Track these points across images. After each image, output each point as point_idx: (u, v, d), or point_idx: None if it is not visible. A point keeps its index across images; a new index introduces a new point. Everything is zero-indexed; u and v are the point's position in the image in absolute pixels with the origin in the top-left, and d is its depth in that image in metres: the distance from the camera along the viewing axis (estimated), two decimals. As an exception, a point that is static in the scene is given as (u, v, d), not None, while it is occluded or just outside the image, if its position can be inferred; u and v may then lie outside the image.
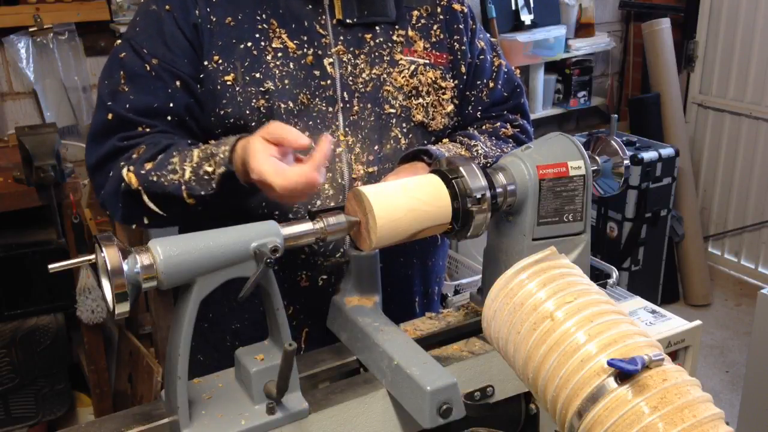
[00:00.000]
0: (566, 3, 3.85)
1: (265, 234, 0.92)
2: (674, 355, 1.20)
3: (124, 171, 1.16)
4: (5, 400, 2.53)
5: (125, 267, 0.84)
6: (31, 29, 2.65)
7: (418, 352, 1.00)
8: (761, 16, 3.69)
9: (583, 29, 3.93)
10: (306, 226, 0.99)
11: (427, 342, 1.16)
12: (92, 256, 0.87)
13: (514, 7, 3.68)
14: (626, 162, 1.20)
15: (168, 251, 0.86)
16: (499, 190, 1.07)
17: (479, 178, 1.03)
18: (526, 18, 3.70)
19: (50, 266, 0.87)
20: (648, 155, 3.53)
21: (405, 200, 1.01)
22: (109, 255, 0.83)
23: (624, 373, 0.75)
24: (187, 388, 0.92)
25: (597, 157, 1.21)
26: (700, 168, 4.13)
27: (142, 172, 1.15)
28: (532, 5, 3.71)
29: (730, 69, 3.89)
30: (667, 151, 3.60)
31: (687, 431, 0.72)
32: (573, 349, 0.80)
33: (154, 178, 1.14)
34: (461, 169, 1.04)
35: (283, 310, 0.97)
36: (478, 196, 1.03)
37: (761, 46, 3.72)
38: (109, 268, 0.83)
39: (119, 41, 1.28)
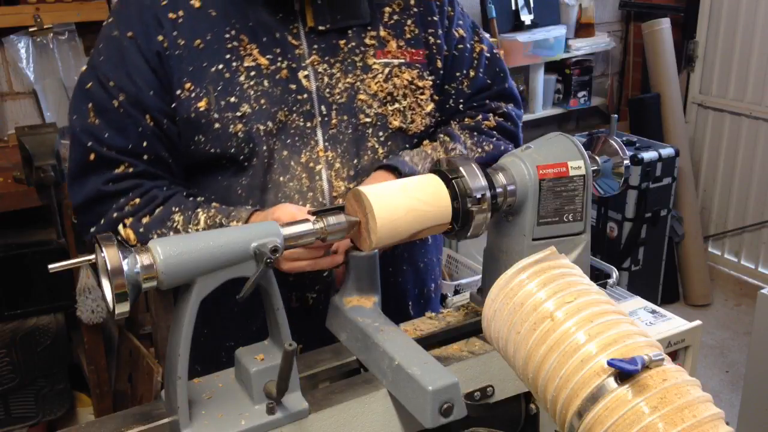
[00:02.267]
0: (566, 3, 3.85)
1: (265, 234, 0.92)
2: (674, 355, 1.20)
3: (120, 227, 1.15)
4: (5, 400, 2.53)
5: (125, 267, 0.84)
6: (31, 29, 2.65)
7: (419, 351, 1.00)
8: (761, 16, 3.69)
9: (583, 29, 3.93)
10: (306, 226, 0.99)
11: (427, 342, 1.15)
12: (92, 256, 0.87)
13: (514, 7, 3.68)
14: (626, 162, 1.20)
15: (168, 251, 0.86)
16: (499, 190, 1.07)
17: (479, 178, 1.03)
18: (526, 18, 3.70)
19: (50, 266, 0.87)
20: (648, 155, 3.53)
21: (405, 200, 1.01)
22: (109, 255, 0.83)
23: (624, 373, 0.75)
24: (187, 388, 0.92)
25: (597, 157, 1.21)
26: (700, 168, 4.13)
27: (141, 229, 1.14)
28: (532, 5, 3.71)
29: (730, 69, 3.89)
30: (667, 151, 3.60)
31: (687, 431, 0.72)
32: (573, 349, 0.80)
33: (155, 237, 1.12)
34: (461, 169, 1.04)
35: (283, 310, 0.97)
36: (478, 196, 1.02)
37: (761, 46, 3.71)
38: (109, 268, 0.83)
39: (85, 67, 1.23)
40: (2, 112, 2.74)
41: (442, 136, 1.34)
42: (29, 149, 2.19)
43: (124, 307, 0.85)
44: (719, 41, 3.91)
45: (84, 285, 2.35)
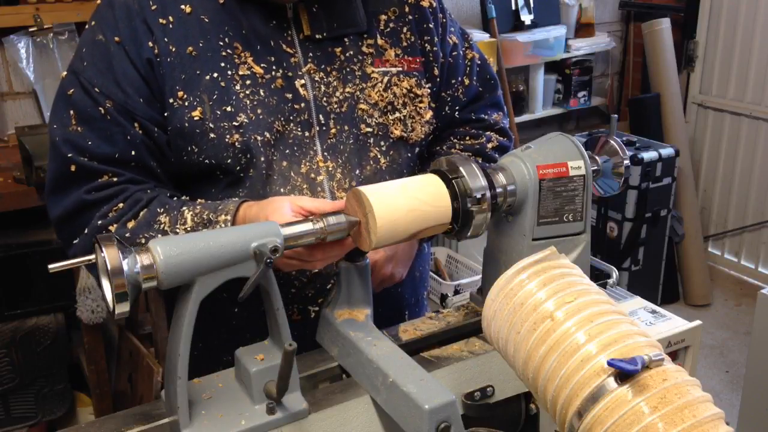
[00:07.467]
0: (566, 3, 3.85)
1: (265, 234, 0.92)
2: (674, 355, 1.20)
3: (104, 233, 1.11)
4: (5, 400, 2.53)
5: (125, 267, 0.84)
6: (31, 29, 2.65)
7: (414, 368, 0.98)
8: (761, 16, 3.69)
9: (583, 29, 3.93)
10: (306, 226, 0.99)
11: (427, 342, 1.16)
12: (92, 256, 0.87)
13: (514, 7, 3.68)
14: (626, 162, 1.20)
15: (168, 251, 0.86)
16: (499, 190, 1.07)
17: (479, 178, 1.03)
18: (526, 18, 3.70)
19: (50, 266, 0.87)
20: (648, 155, 3.53)
21: (405, 200, 1.01)
22: (109, 255, 0.83)
23: (624, 373, 0.75)
24: (187, 388, 0.92)
25: (597, 157, 1.21)
26: (700, 168, 4.13)
27: (127, 234, 1.10)
28: (532, 5, 3.71)
29: (730, 69, 3.89)
30: (667, 151, 3.60)
31: (687, 431, 0.72)
32: (573, 349, 0.80)
33: (142, 241, 1.09)
34: (461, 169, 1.04)
35: (283, 310, 0.97)
36: (478, 196, 1.02)
37: (761, 46, 3.71)
38: (109, 268, 0.83)
39: (65, 73, 1.18)
40: (2, 112, 2.74)
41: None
42: (29, 149, 2.19)
43: (124, 307, 0.85)
44: (719, 41, 3.92)
45: (84, 285, 2.35)
